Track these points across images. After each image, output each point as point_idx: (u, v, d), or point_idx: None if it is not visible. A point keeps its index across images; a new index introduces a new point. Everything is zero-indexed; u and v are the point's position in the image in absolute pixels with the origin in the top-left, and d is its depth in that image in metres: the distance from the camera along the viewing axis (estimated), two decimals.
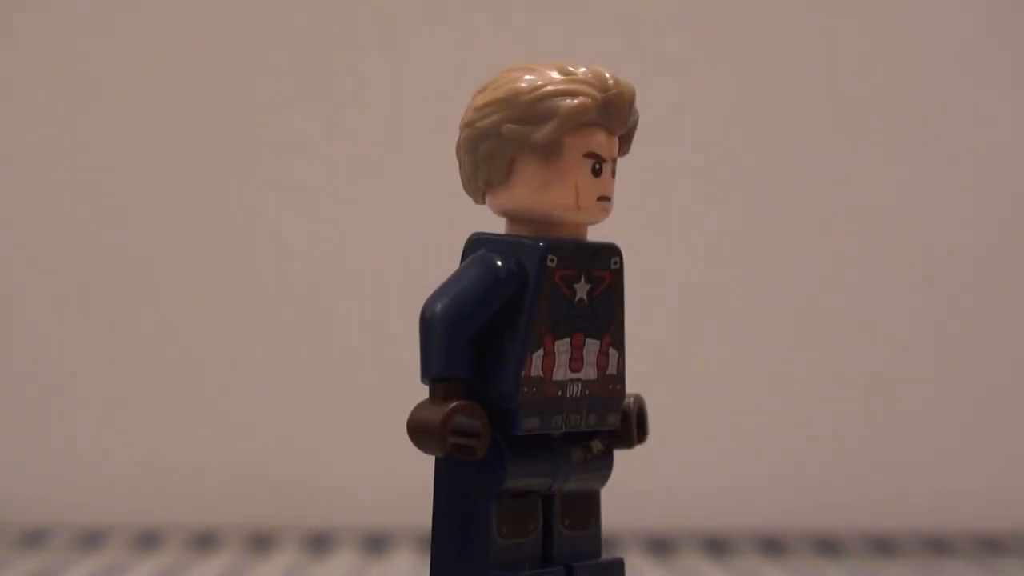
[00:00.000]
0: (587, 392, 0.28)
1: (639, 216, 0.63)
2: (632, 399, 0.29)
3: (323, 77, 0.72)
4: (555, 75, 0.27)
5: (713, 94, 0.70)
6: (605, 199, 0.28)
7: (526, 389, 0.27)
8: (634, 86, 0.27)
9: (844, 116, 0.69)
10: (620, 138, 0.28)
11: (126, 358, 0.72)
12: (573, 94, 0.27)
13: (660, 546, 0.67)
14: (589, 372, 0.28)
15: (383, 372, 0.69)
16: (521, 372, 0.27)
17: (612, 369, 0.28)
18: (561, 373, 0.27)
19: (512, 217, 0.28)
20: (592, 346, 0.28)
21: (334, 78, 0.72)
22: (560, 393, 0.27)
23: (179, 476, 0.71)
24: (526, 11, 0.71)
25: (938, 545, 0.69)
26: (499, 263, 0.27)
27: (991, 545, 0.69)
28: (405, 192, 0.70)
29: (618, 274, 0.28)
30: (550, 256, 0.27)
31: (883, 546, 0.68)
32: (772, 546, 0.68)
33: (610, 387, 0.28)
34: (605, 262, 0.28)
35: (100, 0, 0.72)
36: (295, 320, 0.71)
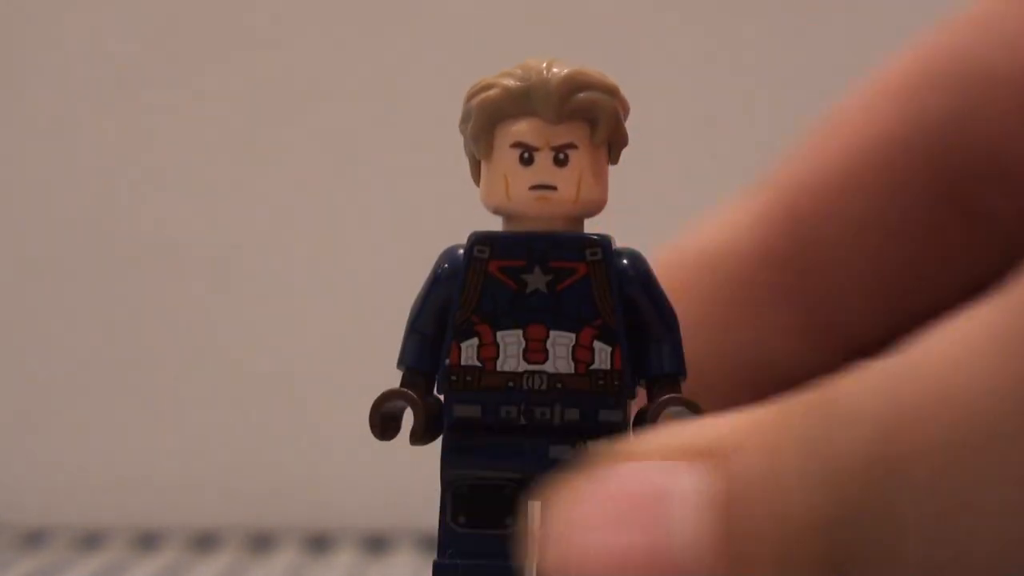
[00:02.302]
0: (558, 385, 0.27)
1: (642, 216, 0.63)
2: (660, 403, 0.28)
3: (318, 77, 0.72)
4: (493, 74, 0.28)
5: (714, 95, 0.70)
6: (541, 187, 0.27)
7: (454, 378, 0.27)
8: (582, 74, 0.27)
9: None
10: (594, 127, 0.28)
11: (126, 358, 0.72)
12: (489, 87, 0.27)
13: None
14: (560, 365, 0.27)
15: (384, 372, 0.69)
16: (446, 360, 0.27)
17: (601, 364, 0.27)
18: (511, 364, 0.27)
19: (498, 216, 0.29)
20: (562, 339, 0.27)
21: (328, 77, 0.72)
22: (511, 384, 0.27)
23: (179, 477, 0.71)
24: (525, 11, 0.71)
25: None
26: (444, 259, 0.28)
27: None
28: (404, 191, 0.70)
29: (597, 265, 0.28)
30: (479, 247, 0.28)
31: None
32: None
33: (600, 383, 0.27)
34: (576, 254, 0.28)
35: (81, 8, 0.72)
36: (295, 320, 0.71)
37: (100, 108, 0.72)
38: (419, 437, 0.28)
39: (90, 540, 0.68)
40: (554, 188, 0.27)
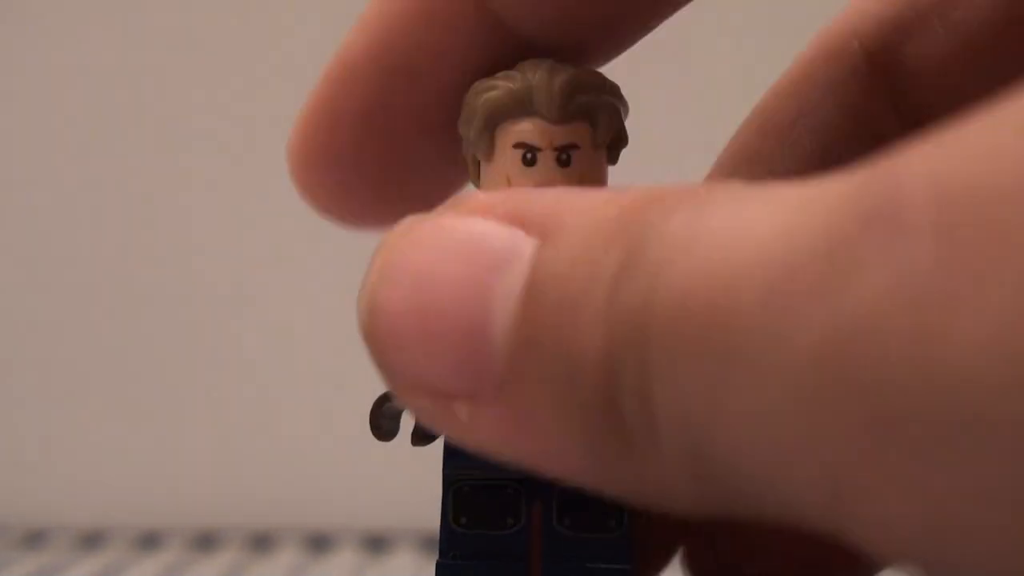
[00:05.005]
0: None
1: None
2: None
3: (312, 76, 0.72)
4: (495, 75, 0.28)
5: (714, 93, 0.70)
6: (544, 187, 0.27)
7: None
8: (584, 74, 0.27)
9: None
10: (594, 128, 0.28)
11: (126, 359, 0.72)
12: (491, 88, 0.27)
13: None
14: None
15: None
16: None
17: None
18: None
19: None
20: None
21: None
22: None
23: (179, 476, 0.71)
24: None
25: None
26: None
27: None
28: None
29: None
30: None
31: None
32: None
33: None
34: None
35: (69, 11, 0.72)
36: (296, 320, 0.71)
37: (102, 108, 0.72)
38: (420, 438, 0.28)
39: (90, 540, 0.68)
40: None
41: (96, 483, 0.71)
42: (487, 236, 0.21)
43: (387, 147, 0.29)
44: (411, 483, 0.69)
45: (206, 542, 0.68)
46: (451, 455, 0.28)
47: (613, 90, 0.28)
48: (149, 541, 0.68)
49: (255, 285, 0.72)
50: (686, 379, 0.17)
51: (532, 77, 0.27)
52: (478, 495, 0.27)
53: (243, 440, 0.71)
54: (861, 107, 0.29)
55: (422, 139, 0.29)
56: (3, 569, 0.63)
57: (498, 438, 0.21)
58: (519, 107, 0.27)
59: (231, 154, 0.72)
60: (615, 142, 0.28)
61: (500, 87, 0.27)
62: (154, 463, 0.71)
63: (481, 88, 0.28)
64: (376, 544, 0.67)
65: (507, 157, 0.27)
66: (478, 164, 0.28)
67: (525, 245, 0.20)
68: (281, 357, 0.71)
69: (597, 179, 0.28)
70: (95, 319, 0.72)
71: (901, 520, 0.16)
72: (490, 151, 0.27)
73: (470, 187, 0.29)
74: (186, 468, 0.71)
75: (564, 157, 0.27)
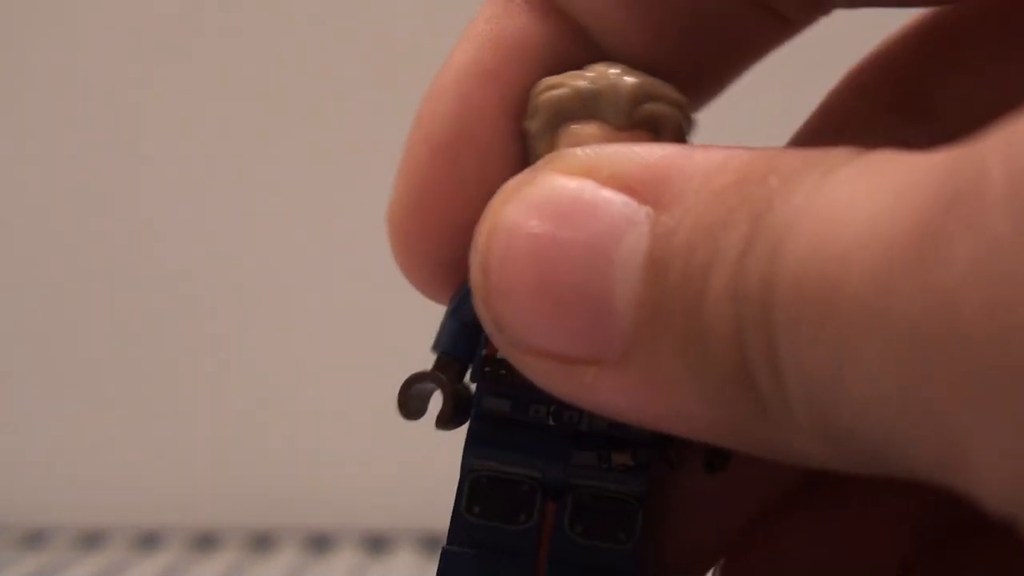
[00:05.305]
0: None
1: None
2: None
3: (313, 75, 0.72)
4: (566, 74, 0.27)
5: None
6: None
7: (488, 369, 0.27)
8: (652, 84, 0.27)
9: None
10: (657, 138, 0.27)
11: (126, 358, 0.72)
12: (559, 86, 0.27)
13: None
14: None
15: (384, 373, 0.69)
16: (483, 351, 0.27)
17: None
18: None
19: None
20: None
21: (323, 76, 0.72)
22: None
23: (179, 476, 0.71)
24: None
25: None
26: None
27: None
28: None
29: None
30: None
31: None
32: None
33: None
34: None
35: (69, 11, 0.72)
36: (296, 320, 0.71)
37: (104, 110, 0.72)
38: (445, 422, 0.28)
39: (90, 540, 0.68)
40: None
41: (96, 483, 0.71)
42: (600, 203, 0.21)
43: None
44: (411, 483, 0.69)
45: (206, 542, 0.68)
46: (473, 443, 0.27)
47: (681, 104, 0.27)
48: (149, 541, 0.68)
49: (255, 286, 0.72)
50: (809, 348, 0.18)
51: (601, 79, 0.27)
52: (494, 487, 0.27)
53: (243, 440, 0.71)
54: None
55: None
56: (3, 569, 0.63)
57: (624, 401, 0.21)
58: (584, 109, 0.27)
59: (230, 149, 0.72)
60: None
61: (567, 86, 0.27)
62: (154, 463, 0.71)
63: (547, 85, 0.27)
64: (376, 544, 0.67)
65: None
66: (537, 160, 0.28)
67: (639, 213, 0.21)
68: (281, 357, 0.71)
69: None
70: (95, 320, 0.72)
71: (1010, 465, 0.17)
72: (550, 149, 0.27)
73: None
74: (186, 468, 0.71)
75: None
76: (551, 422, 0.27)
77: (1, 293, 0.72)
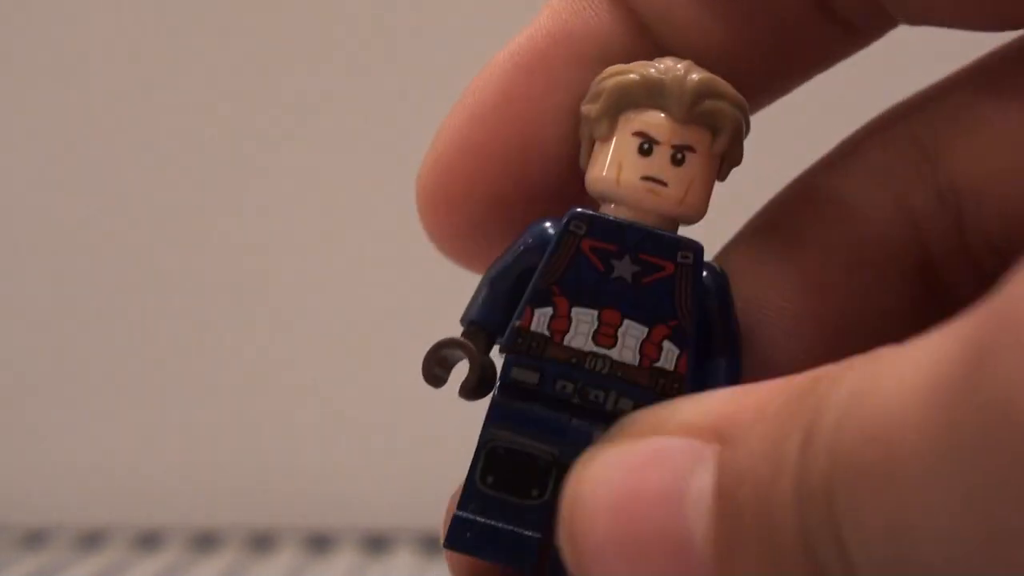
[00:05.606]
0: (618, 374, 0.28)
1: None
2: None
3: (319, 74, 0.72)
4: (634, 63, 0.28)
5: None
6: (651, 180, 0.28)
7: (520, 340, 0.27)
8: (717, 82, 0.28)
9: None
10: (715, 136, 0.28)
11: (126, 358, 0.72)
12: (627, 72, 0.28)
13: None
14: (625, 355, 0.28)
15: (384, 373, 0.69)
16: (516, 322, 0.28)
17: (666, 364, 0.28)
18: (579, 341, 0.28)
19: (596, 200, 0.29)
20: (635, 330, 0.28)
21: (328, 75, 0.72)
22: (575, 361, 0.28)
23: (179, 476, 0.71)
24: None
25: None
26: (536, 227, 0.29)
27: None
28: (404, 196, 0.70)
29: (686, 269, 0.28)
30: (576, 222, 0.28)
31: None
32: None
33: (659, 382, 0.28)
34: (668, 252, 0.28)
35: (83, 10, 0.72)
36: (296, 320, 0.71)
37: (105, 111, 0.72)
38: (468, 392, 0.28)
39: (90, 540, 0.68)
40: (665, 184, 0.28)
41: (96, 483, 0.71)
42: (669, 450, 0.22)
43: (523, 184, 0.29)
44: (411, 483, 0.69)
45: (206, 542, 0.68)
46: (495, 414, 0.28)
47: (742, 105, 0.28)
48: (149, 541, 0.68)
49: (255, 286, 0.72)
50: (869, 512, 0.19)
51: (668, 72, 0.28)
52: (511, 459, 0.27)
53: (243, 440, 0.71)
54: (906, 202, 0.29)
55: (557, 174, 0.29)
56: (3, 569, 0.63)
57: None
58: (648, 98, 0.28)
59: (230, 149, 0.72)
60: (730, 157, 0.28)
61: (635, 73, 0.28)
62: (154, 463, 0.71)
63: (615, 71, 0.28)
64: (376, 544, 0.67)
65: (625, 143, 0.28)
66: (592, 144, 0.28)
67: (706, 451, 0.22)
68: (281, 358, 0.71)
69: (704, 187, 0.28)
70: (95, 320, 0.72)
71: None
72: (609, 134, 0.28)
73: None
74: (186, 468, 0.71)
75: (679, 156, 0.28)
76: (576, 400, 0.27)
77: (1, 293, 0.72)
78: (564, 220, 0.28)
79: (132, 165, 0.72)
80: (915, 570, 0.19)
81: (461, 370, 0.28)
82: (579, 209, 0.28)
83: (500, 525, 0.27)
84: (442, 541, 0.27)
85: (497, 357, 0.28)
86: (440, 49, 0.71)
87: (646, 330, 0.28)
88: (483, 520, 0.27)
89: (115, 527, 0.69)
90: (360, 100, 0.72)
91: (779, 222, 0.30)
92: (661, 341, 0.28)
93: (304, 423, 0.71)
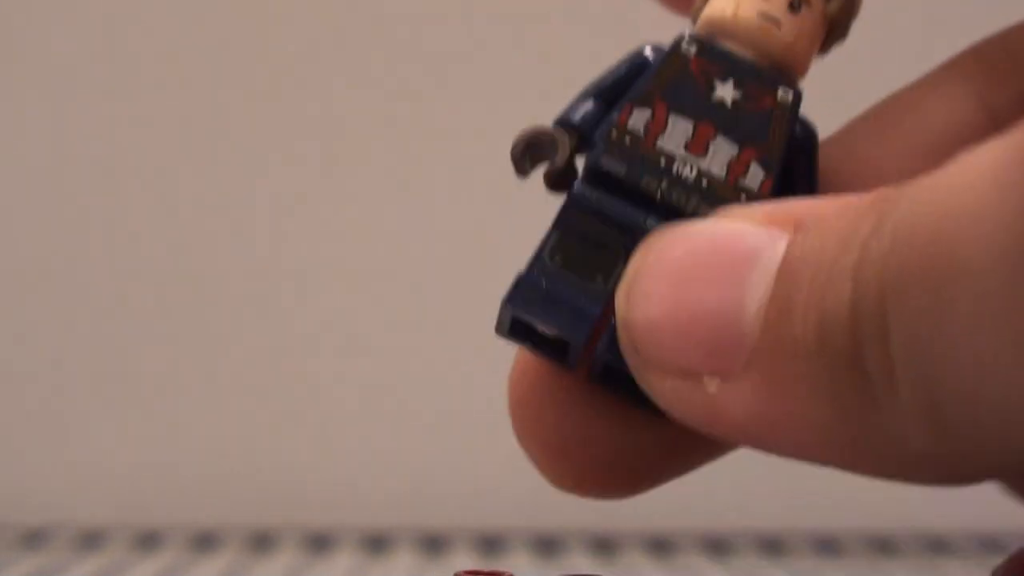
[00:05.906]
0: (705, 183, 0.28)
1: None
2: None
3: (321, 74, 0.72)
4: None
5: None
6: (767, 18, 0.28)
7: (615, 132, 0.28)
8: None
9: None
10: (830, 1, 0.29)
11: (125, 358, 0.72)
12: None
13: (660, 546, 0.67)
14: (714, 167, 0.28)
15: (384, 373, 0.69)
16: (615, 114, 0.28)
17: (750, 184, 0.28)
18: (671, 145, 0.28)
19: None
20: (726, 146, 0.28)
21: (331, 75, 0.72)
22: (664, 163, 0.28)
23: (179, 476, 0.71)
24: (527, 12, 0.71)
25: (937, 545, 0.69)
26: (636, 52, 0.30)
27: (990, 545, 0.69)
28: (403, 193, 0.70)
29: (784, 106, 0.28)
30: (688, 42, 0.29)
31: (883, 546, 0.68)
32: (772, 546, 0.68)
33: (742, 197, 0.28)
34: (771, 86, 0.29)
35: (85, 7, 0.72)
36: (296, 320, 0.71)
37: (104, 109, 0.72)
38: (552, 179, 0.29)
39: (90, 540, 0.68)
40: (779, 26, 0.29)
41: (96, 483, 0.71)
42: (741, 233, 0.23)
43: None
44: (411, 483, 0.69)
45: (206, 542, 0.68)
46: (576, 199, 0.28)
47: None
48: (149, 541, 0.68)
49: (255, 286, 0.72)
50: (916, 308, 0.19)
51: None
52: (583, 241, 0.28)
53: (243, 440, 0.71)
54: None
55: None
56: (3, 569, 0.63)
57: (743, 409, 0.22)
58: None
59: (230, 150, 0.72)
60: (837, 26, 0.29)
61: None
62: (154, 462, 0.71)
63: None
64: (376, 544, 0.67)
65: None
66: (700, 8, 0.29)
67: (779, 238, 0.22)
68: (281, 358, 0.71)
69: (811, 43, 0.29)
70: (95, 320, 0.72)
71: None
72: None
73: None
74: (186, 468, 0.71)
75: (796, 3, 0.29)
76: (659, 197, 0.28)
77: (1, 293, 0.72)
78: (675, 39, 0.29)
79: (135, 165, 0.72)
80: (950, 385, 0.19)
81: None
82: (693, 32, 0.29)
83: (564, 294, 0.27)
84: (504, 300, 0.27)
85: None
86: (440, 51, 0.71)
87: (737, 148, 0.28)
88: (547, 286, 0.27)
89: (115, 527, 0.69)
90: (360, 100, 0.72)
91: (862, 123, 0.31)
92: (749, 161, 0.28)
93: (304, 423, 0.71)
